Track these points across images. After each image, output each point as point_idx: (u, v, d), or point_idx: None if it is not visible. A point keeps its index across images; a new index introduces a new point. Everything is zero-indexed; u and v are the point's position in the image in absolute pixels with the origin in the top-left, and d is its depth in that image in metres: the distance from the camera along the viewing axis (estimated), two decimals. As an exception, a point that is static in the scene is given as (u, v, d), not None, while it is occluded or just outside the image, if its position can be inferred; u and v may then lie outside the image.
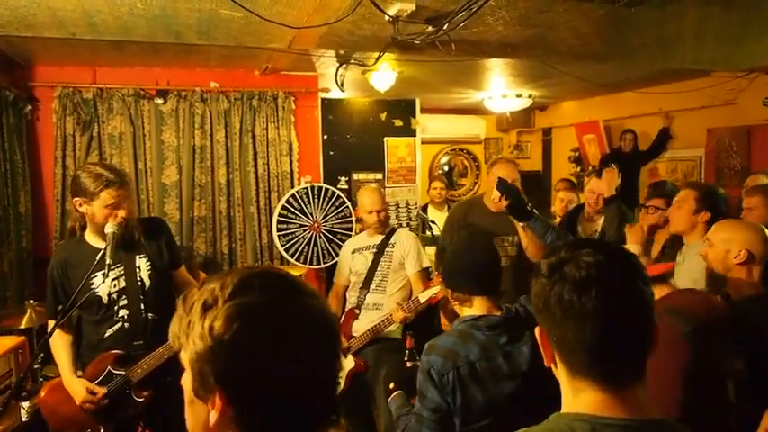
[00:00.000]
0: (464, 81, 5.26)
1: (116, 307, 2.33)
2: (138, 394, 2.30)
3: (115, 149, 4.19)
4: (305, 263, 4.41)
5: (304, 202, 4.43)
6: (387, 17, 2.62)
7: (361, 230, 3.65)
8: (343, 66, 4.08)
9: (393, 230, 3.23)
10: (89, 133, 4.13)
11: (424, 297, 2.84)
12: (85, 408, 2.25)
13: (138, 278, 2.36)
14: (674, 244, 2.74)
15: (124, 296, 2.33)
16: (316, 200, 4.46)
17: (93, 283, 2.24)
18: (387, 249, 3.15)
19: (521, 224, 2.70)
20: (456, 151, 7.94)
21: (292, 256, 4.38)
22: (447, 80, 5.11)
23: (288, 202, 4.38)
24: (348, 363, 2.99)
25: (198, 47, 3.52)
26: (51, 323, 2.34)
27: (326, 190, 4.52)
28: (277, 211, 4.36)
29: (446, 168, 7.85)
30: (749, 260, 1.90)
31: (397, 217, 5.45)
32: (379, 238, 3.19)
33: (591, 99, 6.75)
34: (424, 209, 5.50)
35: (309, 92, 4.67)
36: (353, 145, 5.36)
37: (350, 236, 4.55)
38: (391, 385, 2.02)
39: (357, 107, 5.39)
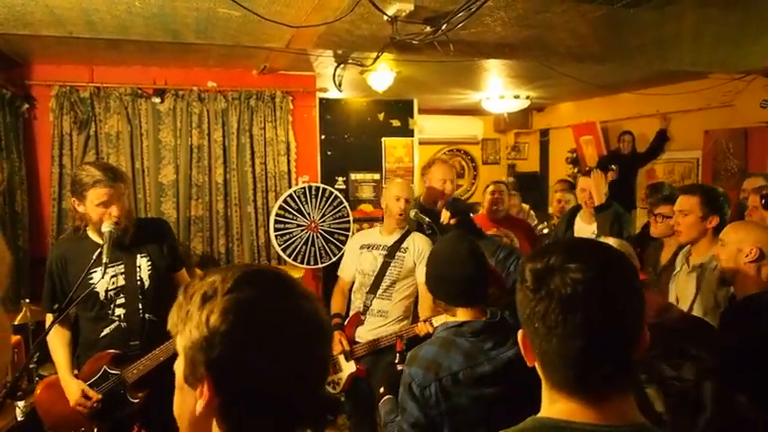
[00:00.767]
0: (462, 82, 5.27)
1: (113, 305, 2.32)
2: (133, 395, 2.29)
3: (112, 148, 4.17)
4: (302, 263, 4.40)
5: (301, 202, 4.42)
6: (385, 17, 2.62)
7: (358, 229, 3.64)
8: (341, 66, 4.08)
9: (408, 233, 3.06)
10: (86, 132, 4.12)
11: (438, 321, 2.68)
12: (79, 410, 2.24)
13: (138, 277, 2.35)
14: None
15: (122, 295, 2.32)
16: (313, 200, 4.45)
17: (92, 279, 2.24)
18: (398, 254, 2.99)
19: None
20: (454, 152, 7.94)
21: (289, 256, 4.37)
22: (445, 80, 5.12)
23: (285, 201, 4.37)
24: (349, 367, 2.93)
25: (196, 46, 3.52)
26: (49, 318, 2.33)
27: (324, 190, 4.52)
28: (274, 210, 4.35)
29: (444, 169, 7.84)
30: (759, 258, 1.94)
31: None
32: (392, 239, 3.04)
33: (588, 100, 6.76)
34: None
35: (307, 91, 4.66)
36: (351, 145, 5.36)
37: (347, 236, 4.54)
38: (381, 389, 1.99)
39: (355, 107, 5.39)
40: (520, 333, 0.95)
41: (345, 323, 3.04)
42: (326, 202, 4.50)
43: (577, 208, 3.86)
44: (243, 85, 4.43)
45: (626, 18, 2.87)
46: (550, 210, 5.65)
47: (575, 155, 7.00)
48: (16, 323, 3.11)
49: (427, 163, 3.61)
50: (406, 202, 3.00)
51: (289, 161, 4.60)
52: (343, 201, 4.58)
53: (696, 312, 2.34)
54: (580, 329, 0.84)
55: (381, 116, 5.44)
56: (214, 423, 0.80)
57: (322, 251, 4.46)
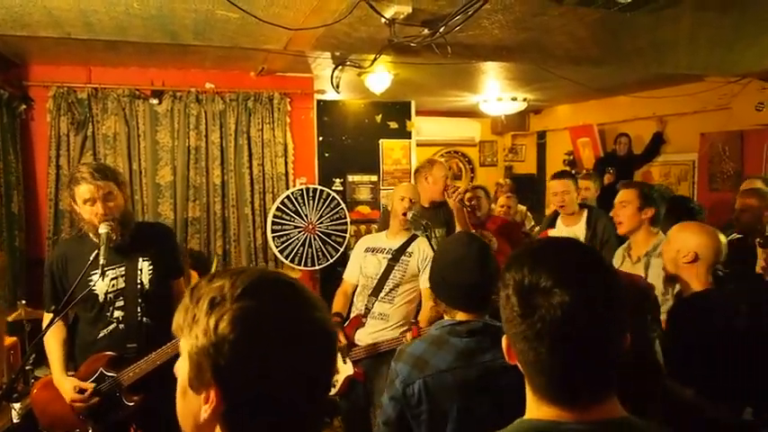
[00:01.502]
0: (459, 84, 5.28)
1: (111, 307, 2.31)
2: (129, 398, 2.28)
3: (109, 149, 4.17)
4: (299, 264, 4.41)
5: (299, 204, 4.42)
6: (383, 20, 2.63)
7: (355, 230, 3.65)
8: (339, 67, 4.09)
9: (414, 237, 3.05)
10: (83, 133, 4.11)
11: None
12: (75, 407, 2.24)
13: (139, 281, 2.34)
14: None
15: (121, 297, 2.32)
16: (310, 201, 4.46)
17: (91, 280, 2.24)
18: (403, 258, 2.98)
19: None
20: (451, 153, 7.95)
21: (287, 258, 4.37)
22: (442, 83, 5.13)
23: (283, 203, 4.37)
24: (347, 369, 2.91)
25: (194, 47, 3.52)
26: (47, 317, 2.33)
27: (321, 191, 4.52)
28: (272, 212, 4.35)
29: (441, 171, 7.85)
30: (694, 260, 2.03)
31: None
32: (397, 243, 3.02)
33: (585, 103, 6.78)
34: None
35: (305, 93, 4.67)
36: (349, 147, 5.37)
37: (345, 237, 4.55)
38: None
39: (352, 109, 5.40)
40: (504, 340, 0.95)
41: (346, 324, 3.03)
42: (324, 203, 4.50)
43: (556, 212, 3.87)
44: (241, 86, 4.43)
45: (622, 21, 2.88)
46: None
47: (572, 157, 7.02)
48: (10, 320, 3.10)
49: (422, 165, 3.66)
50: (411, 203, 3.03)
51: (286, 163, 4.60)
52: (341, 202, 4.59)
53: None
54: (564, 350, 0.85)
55: (379, 118, 5.44)
56: (218, 427, 0.80)
57: (319, 253, 4.47)
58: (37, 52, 3.78)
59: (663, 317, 2.11)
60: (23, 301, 3.23)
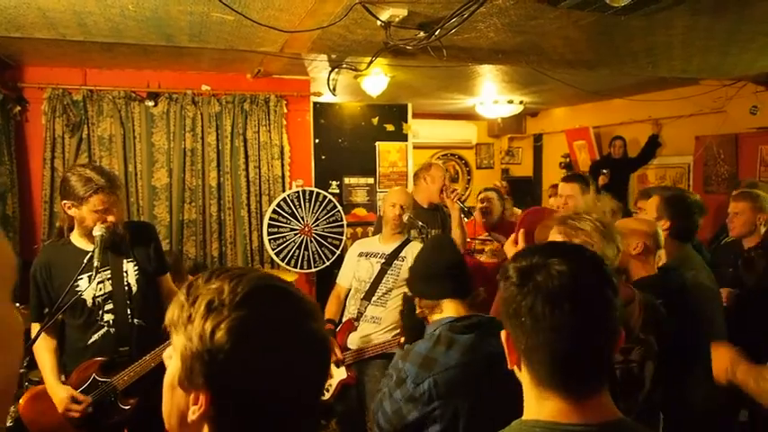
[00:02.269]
0: (456, 86, 5.29)
1: (101, 311, 2.29)
2: (125, 402, 2.26)
3: (105, 151, 4.16)
4: (295, 267, 4.40)
5: (295, 206, 4.42)
6: (379, 22, 2.63)
7: (351, 233, 3.65)
8: (336, 70, 4.09)
9: (407, 242, 3.07)
10: (78, 135, 4.10)
11: None
12: (69, 416, 2.21)
13: (126, 283, 2.33)
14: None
15: (110, 301, 2.30)
16: (307, 204, 4.45)
17: (78, 286, 2.21)
18: (396, 262, 2.99)
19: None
20: (448, 156, 7.96)
21: (283, 260, 4.36)
22: (439, 85, 5.13)
23: (279, 205, 4.37)
24: (339, 374, 2.92)
25: (189, 49, 3.51)
26: (35, 327, 2.29)
27: (318, 194, 4.52)
28: (268, 214, 4.35)
29: (437, 173, 7.86)
30: (645, 252, 2.17)
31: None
32: (390, 247, 3.04)
33: (581, 106, 6.80)
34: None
35: (301, 96, 4.67)
36: (345, 149, 5.37)
37: (341, 240, 4.55)
38: (402, 339, 2.03)
39: (349, 111, 5.40)
40: (503, 333, 0.97)
41: (338, 330, 3.03)
42: (320, 206, 4.50)
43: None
44: (237, 88, 4.43)
45: (617, 25, 2.89)
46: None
47: (568, 159, 7.04)
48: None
49: (421, 167, 3.68)
50: (402, 209, 3.03)
51: (282, 165, 4.59)
52: (337, 205, 4.59)
53: None
54: (567, 323, 0.87)
55: (375, 120, 5.45)
56: (205, 427, 0.80)
57: (315, 255, 4.46)
58: (32, 54, 3.76)
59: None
60: (18, 304, 3.22)
